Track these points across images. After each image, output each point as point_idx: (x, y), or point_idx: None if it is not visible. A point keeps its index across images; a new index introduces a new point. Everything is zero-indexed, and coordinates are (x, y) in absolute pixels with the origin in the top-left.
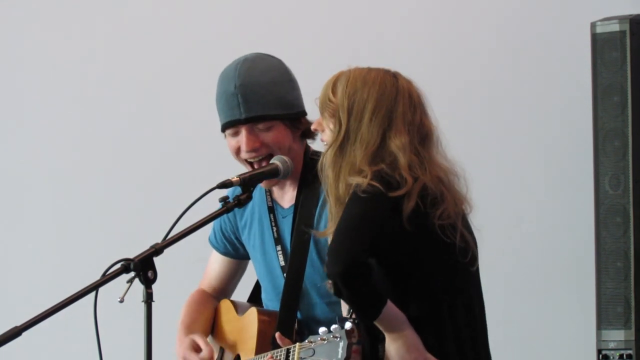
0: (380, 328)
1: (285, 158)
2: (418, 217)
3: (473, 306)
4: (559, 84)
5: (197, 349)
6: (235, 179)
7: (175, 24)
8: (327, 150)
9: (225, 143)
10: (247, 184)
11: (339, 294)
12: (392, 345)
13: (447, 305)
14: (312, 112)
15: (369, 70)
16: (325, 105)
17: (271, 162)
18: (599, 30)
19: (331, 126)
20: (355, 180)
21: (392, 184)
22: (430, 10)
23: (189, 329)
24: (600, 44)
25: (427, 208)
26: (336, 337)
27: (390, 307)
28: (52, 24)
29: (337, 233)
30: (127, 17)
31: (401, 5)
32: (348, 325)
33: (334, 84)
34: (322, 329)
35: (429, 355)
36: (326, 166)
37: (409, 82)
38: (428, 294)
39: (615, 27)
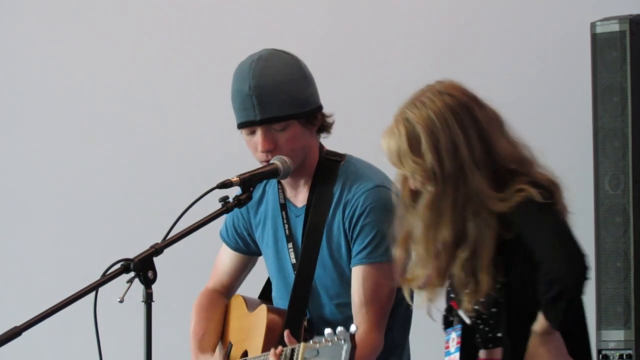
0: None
1: (285, 158)
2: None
3: None
4: (559, 84)
5: None
6: (235, 179)
7: (178, 24)
8: (425, 206)
9: (226, 144)
10: (247, 184)
11: (560, 299)
12: (542, 348)
13: (582, 307)
14: (327, 107)
15: (425, 104)
16: (414, 170)
17: (271, 162)
18: (599, 30)
19: (429, 188)
20: (515, 198)
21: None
22: (429, 10)
23: (202, 347)
24: (600, 44)
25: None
26: (340, 340)
27: None
28: (53, 24)
29: (560, 240)
30: (129, 16)
31: (401, 4)
32: (353, 328)
33: (409, 144)
34: (327, 330)
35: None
36: (422, 218)
37: (460, 89)
38: None
39: (615, 27)
